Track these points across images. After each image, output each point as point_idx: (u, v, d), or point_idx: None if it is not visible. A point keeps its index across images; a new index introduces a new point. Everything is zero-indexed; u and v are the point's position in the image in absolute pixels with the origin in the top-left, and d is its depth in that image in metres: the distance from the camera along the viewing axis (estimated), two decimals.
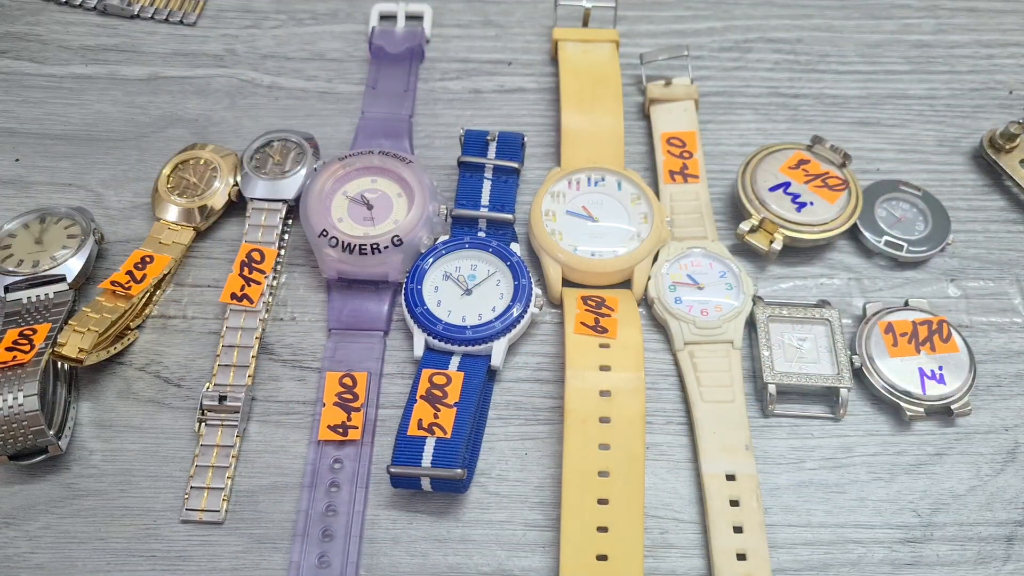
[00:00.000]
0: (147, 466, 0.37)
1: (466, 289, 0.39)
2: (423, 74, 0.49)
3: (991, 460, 0.37)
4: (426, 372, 0.37)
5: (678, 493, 0.36)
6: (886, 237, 0.42)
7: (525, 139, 0.44)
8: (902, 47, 0.51)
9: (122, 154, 0.46)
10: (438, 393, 0.36)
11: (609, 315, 0.37)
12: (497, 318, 0.38)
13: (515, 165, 0.43)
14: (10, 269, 0.39)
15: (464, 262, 0.40)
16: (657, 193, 0.44)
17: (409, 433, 0.35)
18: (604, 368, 0.36)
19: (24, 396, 0.34)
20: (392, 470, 0.34)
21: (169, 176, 0.43)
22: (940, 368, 0.38)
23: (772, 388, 0.38)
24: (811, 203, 0.42)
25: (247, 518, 0.36)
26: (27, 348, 0.36)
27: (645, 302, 0.41)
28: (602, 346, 0.36)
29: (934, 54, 0.51)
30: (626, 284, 0.41)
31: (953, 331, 0.39)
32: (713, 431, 0.37)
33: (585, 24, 0.50)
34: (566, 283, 0.41)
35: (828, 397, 0.39)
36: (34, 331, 0.36)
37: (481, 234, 0.42)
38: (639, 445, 0.35)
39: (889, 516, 0.36)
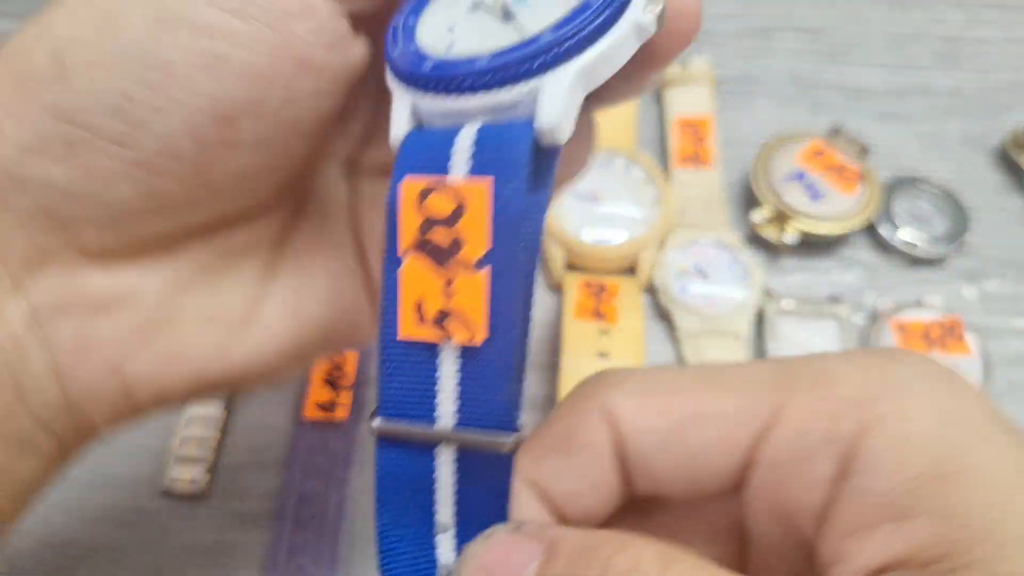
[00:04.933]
0: (131, 435, 0.36)
1: (505, 13, 0.18)
2: None
3: None
4: (410, 183, 0.16)
5: None
6: (902, 233, 0.41)
7: None
8: (930, 40, 0.50)
9: None
10: (442, 237, 0.16)
11: (610, 301, 0.36)
12: (555, 27, 0.17)
13: None
14: None
15: None
16: (668, 178, 0.42)
17: (402, 335, 0.17)
18: (602, 355, 0.35)
19: None
20: (377, 425, 0.17)
21: None
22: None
23: None
24: (826, 195, 0.40)
25: (229, 493, 0.35)
26: None
27: (650, 290, 0.40)
28: (601, 332, 0.35)
29: (962, 49, 0.49)
30: (631, 271, 0.40)
31: (967, 332, 0.38)
32: None
33: None
34: (569, 267, 0.40)
35: None
36: None
37: None
38: None
39: None
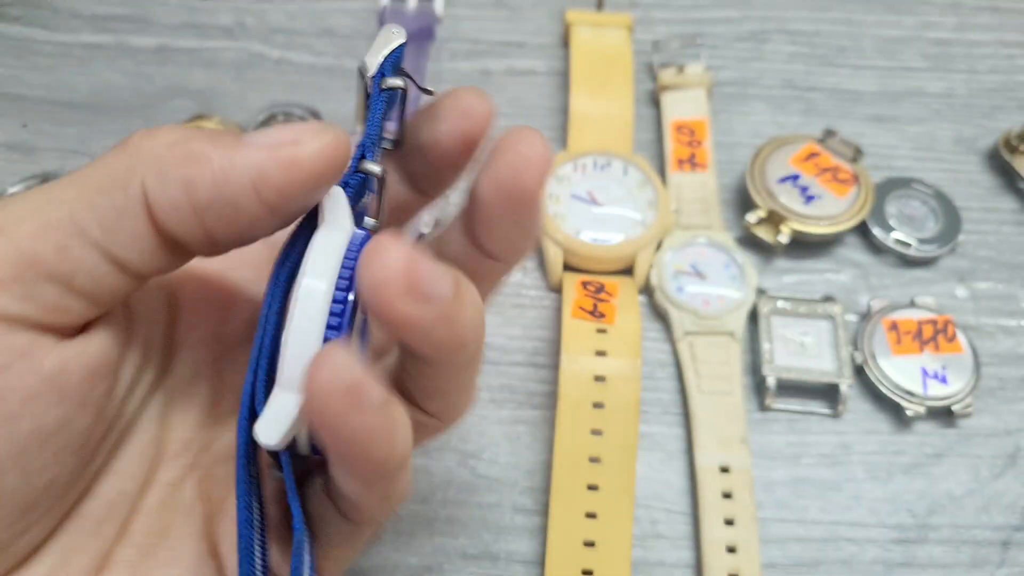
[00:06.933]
0: None
1: None
2: (432, 53, 0.49)
3: (991, 463, 0.37)
4: None
5: (670, 484, 0.36)
6: (895, 234, 0.42)
7: None
8: (922, 44, 0.50)
9: (127, 123, 0.46)
10: None
11: (608, 301, 0.37)
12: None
13: None
14: None
15: None
16: (664, 181, 0.43)
17: None
18: (600, 353, 0.35)
19: None
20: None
21: None
22: (943, 368, 0.38)
23: (771, 382, 0.37)
24: (820, 196, 0.41)
25: None
26: None
27: (646, 290, 0.40)
28: (599, 331, 0.36)
29: (954, 52, 0.50)
30: (629, 271, 0.40)
31: (958, 331, 0.39)
32: (709, 423, 0.36)
33: (599, 8, 0.49)
34: (567, 268, 0.40)
35: (828, 393, 0.38)
36: None
37: None
38: (632, 433, 0.34)
39: (884, 516, 0.35)
